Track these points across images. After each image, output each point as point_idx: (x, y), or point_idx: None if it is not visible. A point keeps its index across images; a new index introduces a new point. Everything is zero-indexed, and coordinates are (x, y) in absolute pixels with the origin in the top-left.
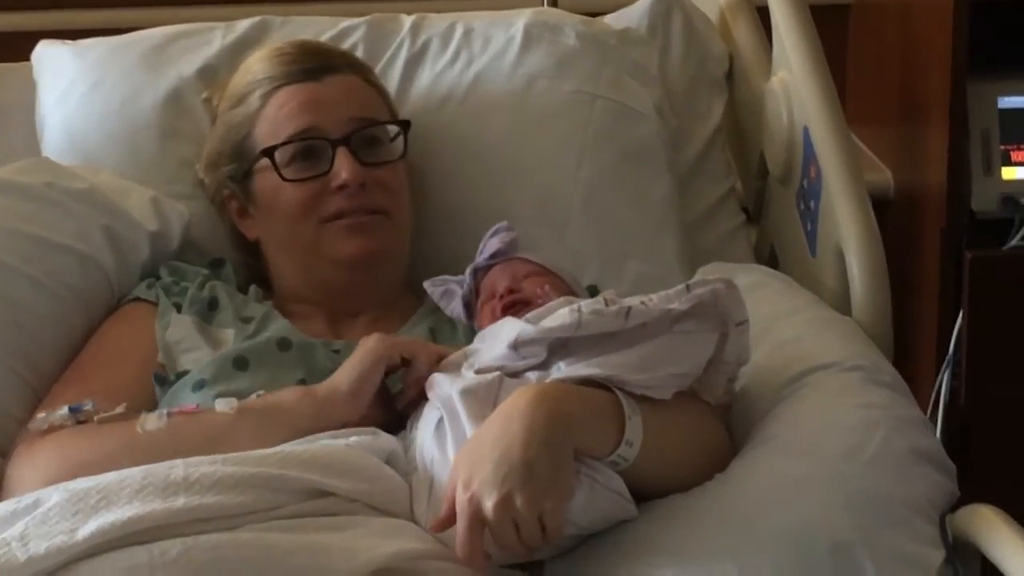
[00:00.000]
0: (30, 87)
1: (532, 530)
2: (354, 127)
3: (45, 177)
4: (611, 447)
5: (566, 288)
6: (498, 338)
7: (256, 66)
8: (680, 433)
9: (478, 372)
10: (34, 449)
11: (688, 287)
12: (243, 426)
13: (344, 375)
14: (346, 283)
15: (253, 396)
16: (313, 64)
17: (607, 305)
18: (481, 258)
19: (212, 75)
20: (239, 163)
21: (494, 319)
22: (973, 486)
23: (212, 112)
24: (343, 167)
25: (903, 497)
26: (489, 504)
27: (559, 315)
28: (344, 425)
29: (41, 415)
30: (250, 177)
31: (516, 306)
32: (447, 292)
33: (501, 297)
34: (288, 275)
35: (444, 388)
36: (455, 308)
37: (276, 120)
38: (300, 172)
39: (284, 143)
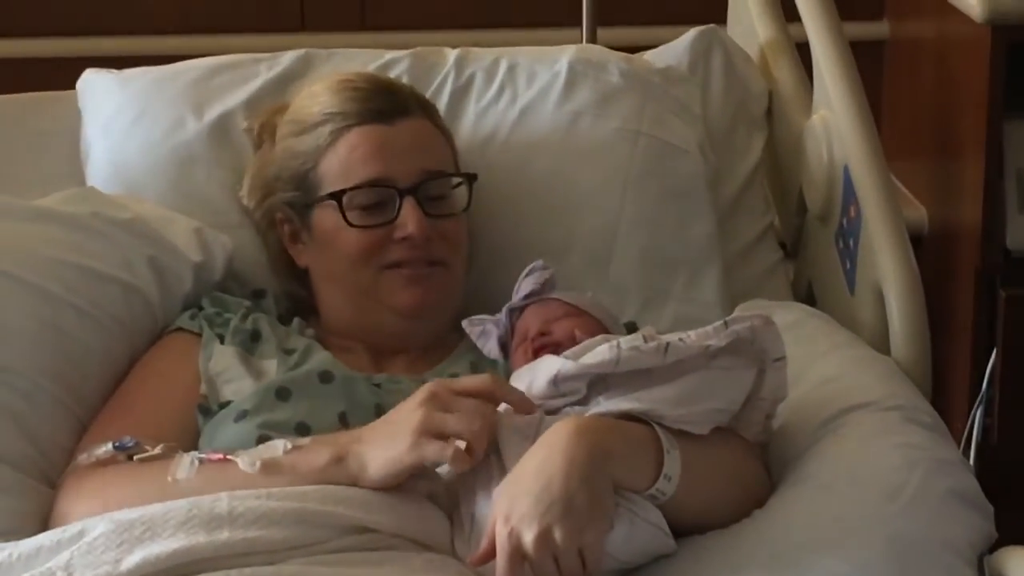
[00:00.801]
0: (75, 115)
1: (572, 564)
2: (422, 178)
3: (90, 207)
4: (650, 481)
5: (599, 328)
6: (537, 375)
7: (324, 96)
8: (718, 469)
9: None
10: (78, 486)
11: (726, 323)
12: (266, 487)
13: (376, 463)
14: (397, 328)
15: (280, 448)
16: (386, 105)
17: (645, 341)
18: (516, 298)
19: (256, 108)
20: (300, 192)
21: (526, 361)
22: (1008, 526)
23: (255, 140)
24: (410, 219)
25: (943, 539)
26: (529, 538)
27: (598, 352)
28: None
29: (86, 453)
30: (310, 208)
31: (546, 349)
32: (484, 332)
33: (532, 340)
34: (336, 308)
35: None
36: (491, 348)
37: (347, 162)
38: (366, 219)
39: (353, 188)
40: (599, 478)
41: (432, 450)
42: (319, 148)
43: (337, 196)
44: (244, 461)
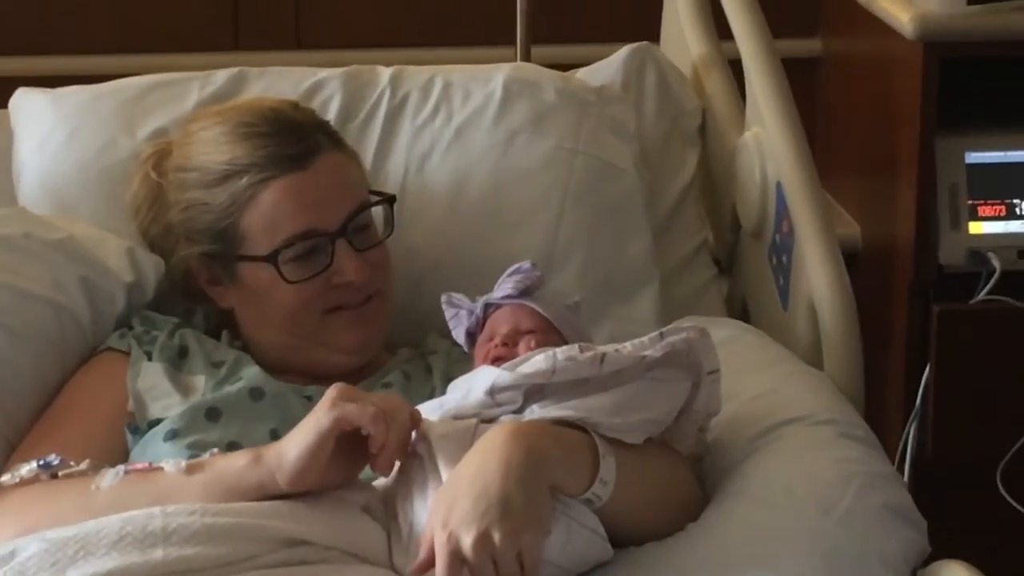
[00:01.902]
0: (7, 135)
1: (511, 567)
2: (348, 217)
3: (22, 227)
4: (585, 485)
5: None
6: (474, 385)
7: (227, 144)
8: (652, 478)
9: (455, 418)
10: (1, 505)
11: (662, 334)
12: (189, 487)
13: (291, 447)
14: (338, 363)
15: (207, 454)
16: (296, 148)
17: (581, 352)
18: (494, 295)
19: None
20: (220, 245)
21: (485, 361)
22: (941, 540)
23: (147, 174)
24: (347, 265)
25: (877, 553)
26: (468, 541)
27: (535, 361)
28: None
29: (9, 474)
30: (233, 261)
31: (503, 360)
32: (457, 316)
33: (497, 346)
34: (270, 346)
35: (423, 435)
36: (459, 334)
37: (271, 218)
38: (301, 271)
39: (285, 246)
40: (536, 480)
41: (351, 408)
42: (237, 204)
43: (271, 258)
44: (169, 464)
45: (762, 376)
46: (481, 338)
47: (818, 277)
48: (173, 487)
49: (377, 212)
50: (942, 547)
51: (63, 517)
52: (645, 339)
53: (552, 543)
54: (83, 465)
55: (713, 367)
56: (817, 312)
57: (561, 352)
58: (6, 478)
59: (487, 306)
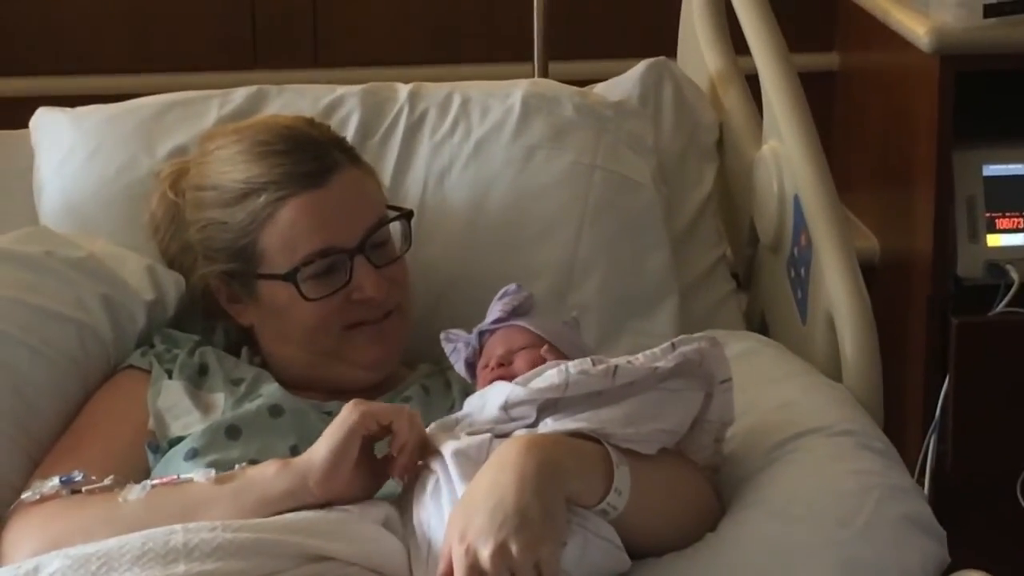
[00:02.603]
0: (28, 154)
1: None
2: (366, 233)
3: (44, 246)
4: (600, 495)
5: (560, 359)
6: (488, 401)
7: (244, 163)
8: (668, 488)
9: (469, 434)
10: (23, 521)
11: (673, 345)
12: (218, 498)
13: (320, 450)
14: (358, 379)
15: (237, 467)
16: (313, 166)
17: (594, 365)
18: (485, 322)
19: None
20: (239, 264)
21: (486, 385)
22: (961, 551)
23: (166, 193)
24: (366, 282)
25: (897, 565)
26: (486, 553)
27: (547, 376)
28: (326, 503)
29: (31, 491)
30: (252, 279)
31: (503, 379)
32: (456, 349)
33: (492, 368)
34: (290, 363)
35: (437, 450)
36: (459, 367)
37: (289, 236)
38: (320, 289)
39: (304, 264)
40: (551, 492)
41: (377, 405)
42: (255, 223)
43: (290, 276)
44: (199, 474)
45: (781, 388)
46: (479, 365)
47: (836, 290)
48: (202, 498)
49: (395, 228)
50: (962, 558)
51: (89, 530)
52: (657, 350)
53: (568, 554)
54: (107, 481)
55: (725, 376)
56: (836, 325)
57: (573, 366)
58: (27, 495)
59: (481, 334)
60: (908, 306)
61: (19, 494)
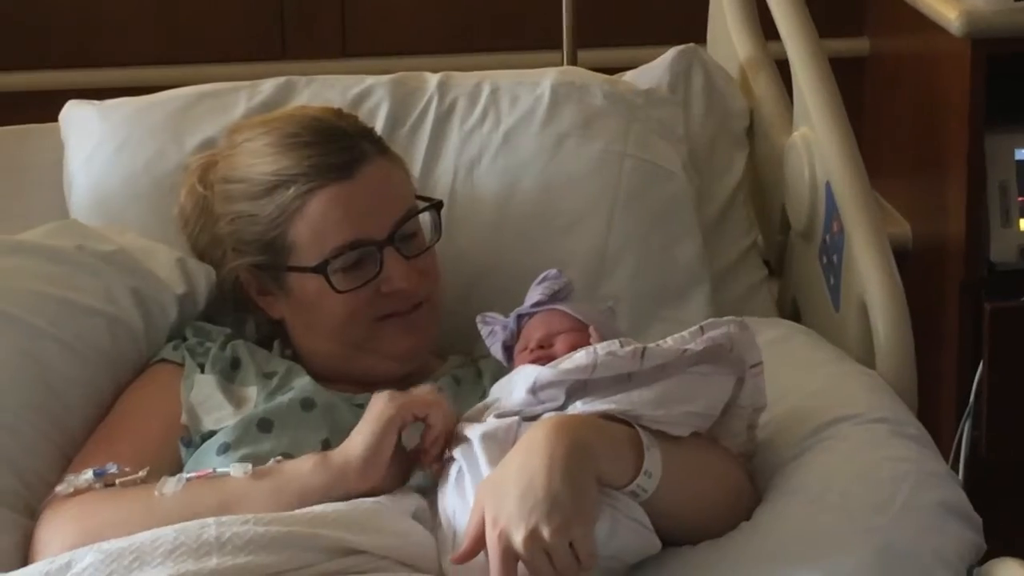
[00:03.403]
0: (58, 147)
1: (565, 559)
2: (396, 225)
3: (73, 240)
4: (630, 477)
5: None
6: (516, 384)
7: (272, 155)
8: (700, 472)
9: (497, 416)
10: (58, 514)
11: (702, 328)
12: (256, 492)
13: (357, 442)
14: (389, 371)
15: (272, 461)
16: (342, 157)
17: (622, 347)
18: (524, 305)
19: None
20: (268, 256)
21: None
22: (997, 537)
23: (194, 187)
24: (396, 273)
25: (932, 551)
26: (519, 538)
27: (575, 358)
28: (361, 495)
29: (65, 483)
30: (282, 271)
31: (542, 361)
32: (492, 332)
33: (532, 351)
34: (321, 355)
35: (464, 436)
36: (496, 350)
37: (319, 228)
38: (350, 281)
39: (334, 256)
40: (581, 473)
41: (413, 398)
42: (285, 215)
43: (320, 268)
44: (236, 468)
45: (814, 375)
46: (517, 348)
47: (869, 276)
48: (239, 492)
49: (425, 218)
50: (998, 544)
51: (125, 523)
52: (686, 333)
53: (597, 534)
54: (141, 473)
55: (756, 360)
56: (868, 311)
57: (601, 348)
58: (61, 488)
59: (519, 318)
60: (941, 292)
61: (51, 487)
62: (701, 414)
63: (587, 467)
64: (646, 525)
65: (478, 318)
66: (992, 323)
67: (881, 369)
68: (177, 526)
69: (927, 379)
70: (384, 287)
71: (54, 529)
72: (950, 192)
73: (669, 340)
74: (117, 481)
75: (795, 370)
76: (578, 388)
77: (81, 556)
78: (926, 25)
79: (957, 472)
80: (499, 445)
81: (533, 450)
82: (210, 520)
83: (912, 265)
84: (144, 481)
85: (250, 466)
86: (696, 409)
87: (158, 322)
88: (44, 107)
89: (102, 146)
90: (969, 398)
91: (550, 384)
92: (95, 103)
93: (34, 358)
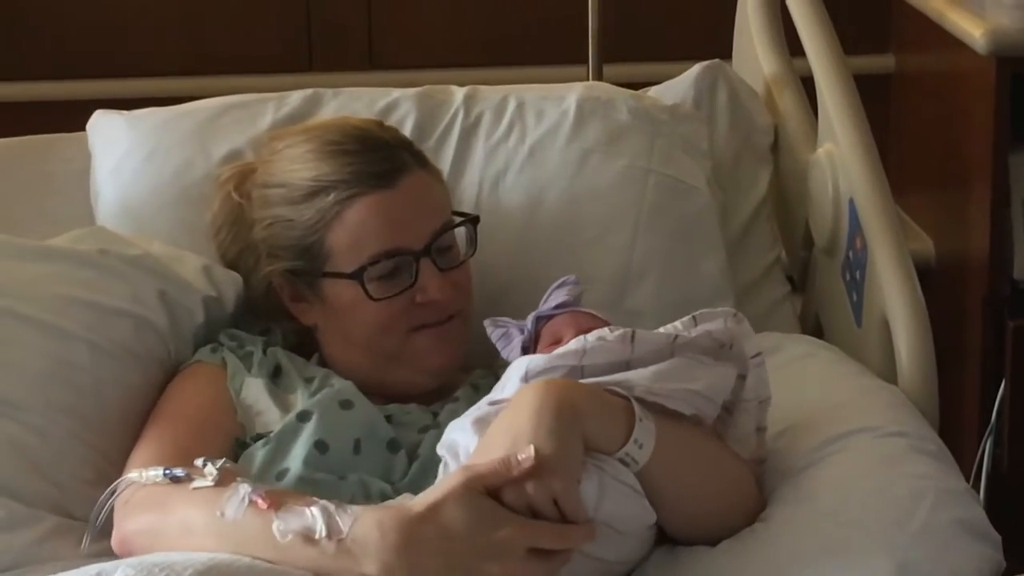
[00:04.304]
0: (85, 156)
1: (549, 513)
2: (433, 237)
3: (99, 244)
4: (619, 443)
5: None
6: (510, 377)
7: (313, 161)
8: (700, 458)
9: (490, 404)
10: (142, 495)
11: (695, 319)
12: (316, 553)
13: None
14: (420, 383)
15: (319, 524)
16: (383, 166)
17: (612, 332)
18: (546, 307)
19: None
20: (304, 262)
21: None
22: (1018, 555)
23: (229, 195)
24: (431, 284)
25: (952, 569)
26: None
27: (566, 345)
28: None
29: (137, 472)
30: (318, 277)
31: None
32: (506, 335)
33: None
34: (353, 364)
35: (450, 432)
36: (512, 352)
37: (357, 235)
38: (386, 289)
39: (371, 264)
40: (565, 431)
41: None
42: (323, 221)
43: (357, 275)
44: (279, 526)
45: (835, 389)
46: (541, 346)
47: (892, 293)
48: (287, 553)
49: (459, 232)
50: (1018, 562)
51: (190, 532)
52: (678, 323)
53: (586, 496)
54: (209, 481)
55: (755, 351)
56: (891, 328)
57: (592, 334)
58: (134, 475)
59: (538, 320)
60: (964, 309)
61: (87, 485)
62: (702, 395)
63: (573, 426)
64: (636, 489)
65: (487, 322)
66: (1015, 340)
67: (903, 386)
68: (211, 555)
69: (949, 396)
70: (419, 297)
71: (139, 509)
72: (973, 209)
73: (661, 329)
74: (192, 486)
75: (816, 385)
76: (575, 376)
77: (111, 570)
78: (951, 43)
79: (978, 490)
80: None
81: (520, 408)
82: (246, 559)
83: (935, 282)
84: (212, 485)
85: (291, 535)
86: (696, 387)
87: (185, 323)
88: (72, 117)
89: (130, 156)
90: (991, 415)
91: (542, 371)
92: (123, 113)
93: (63, 361)
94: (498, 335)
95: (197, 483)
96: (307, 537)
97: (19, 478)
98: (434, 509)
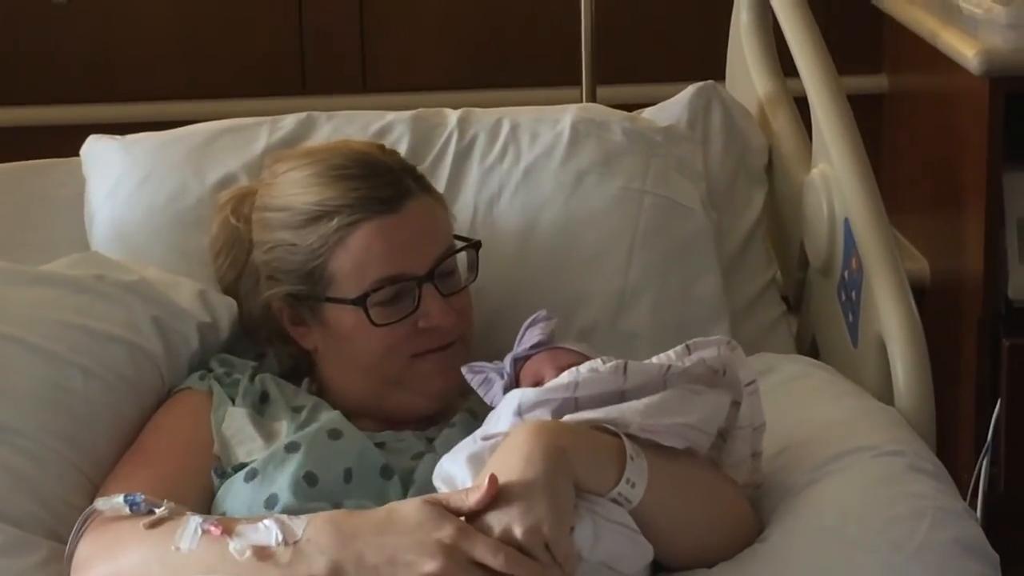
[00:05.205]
0: (79, 181)
1: (542, 558)
2: (436, 262)
3: (95, 270)
4: (611, 483)
5: None
6: (502, 410)
7: (316, 185)
8: (694, 490)
9: (484, 439)
10: (96, 536)
11: (688, 348)
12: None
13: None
14: (420, 408)
15: (274, 535)
16: (387, 191)
17: (604, 363)
18: (521, 348)
19: (257, 172)
20: (307, 286)
21: None
22: (1015, 574)
23: (226, 219)
24: (434, 310)
25: None
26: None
27: (558, 379)
28: None
29: (103, 499)
30: (319, 302)
31: None
32: (487, 380)
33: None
34: (352, 389)
35: (445, 463)
36: (494, 396)
37: (361, 261)
38: (388, 315)
39: (374, 289)
40: (555, 476)
41: None
42: (326, 246)
43: (360, 301)
44: (235, 545)
45: (832, 409)
46: (525, 385)
47: (887, 313)
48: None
49: (459, 257)
50: None
51: (146, 568)
52: (671, 352)
53: (581, 539)
54: (163, 511)
55: (749, 379)
56: (887, 348)
57: (584, 366)
58: (100, 503)
59: (515, 361)
60: (959, 328)
61: (78, 511)
62: (695, 427)
63: (562, 470)
64: (632, 528)
65: (464, 369)
66: (1011, 359)
67: (899, 405)
68: None
69: (945, 416)
70: (422, 322)
71: (92, 554)
72: (968, 229)
73: (654, 359)
74: (142, 524)
75: (813, 405)
76: (568, 408)
77: None
78: (944, 63)
79: (975, 509)
80: (484, 464)
81: (510, 452)
82: None
83: (930, 301)
84: (168, 518)
85: (249, 551)
86: (689, 421)
87: (179, 351)
88: (65, 142)
89: (124, 180)
90: (987, 435)
91: (535, 405)
92: (117, 138)
93: (57, 386)
94: (478, 381)
95: (149, 520)
96: (264, 552)
97: (14, 502)
98: (389, 510)
